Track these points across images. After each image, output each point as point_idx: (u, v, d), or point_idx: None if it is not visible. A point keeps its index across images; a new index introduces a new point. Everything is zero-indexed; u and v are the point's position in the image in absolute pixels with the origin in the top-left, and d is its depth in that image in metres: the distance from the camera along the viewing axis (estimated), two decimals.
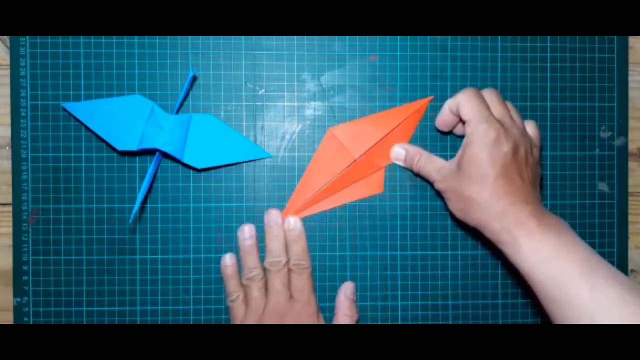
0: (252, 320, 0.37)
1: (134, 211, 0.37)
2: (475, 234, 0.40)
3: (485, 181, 0.34)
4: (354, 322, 0.39)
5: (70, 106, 0.39)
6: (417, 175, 0.40)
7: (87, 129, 0.39)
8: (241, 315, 0.38)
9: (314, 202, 0.40)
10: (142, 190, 0.37)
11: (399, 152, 0.40)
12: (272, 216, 0.40)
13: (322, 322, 0.39)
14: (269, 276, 0.38)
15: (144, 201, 0.39)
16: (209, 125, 0.39)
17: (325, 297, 0.40)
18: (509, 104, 0.37)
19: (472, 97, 0.36)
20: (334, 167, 0.40)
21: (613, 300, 0.29)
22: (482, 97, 0.36)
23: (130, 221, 0.39)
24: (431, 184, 0.39)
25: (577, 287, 0.30)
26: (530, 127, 0.37)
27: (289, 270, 0.39)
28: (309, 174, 0.40)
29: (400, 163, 0.40)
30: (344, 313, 0.39)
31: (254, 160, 0.40)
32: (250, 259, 0.39)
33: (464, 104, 0.36)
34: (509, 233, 0.33)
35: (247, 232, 0.39)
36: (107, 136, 0.38)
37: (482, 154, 0.34)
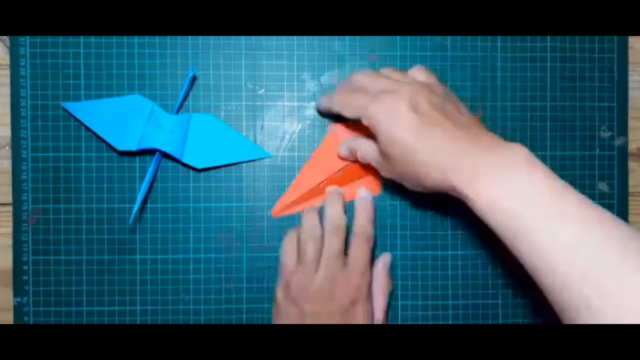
0: (301, 278, 0.36)
1: (134, 211, 0.37)
2: (475, 233, 0.40)
3: (415, 150, 0.31)
4: (389, 292, 0.39)
5: (71, 106, 0.39)
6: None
7: (87, 129, 0.39)
8: (291, 266, 0.37)
9: (308, 198, 0.40)
10: (142, 190, 0.37)
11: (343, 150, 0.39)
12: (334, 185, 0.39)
13: (370, 296, 0.37)
14: (326, 239, 0.37)
15: (144, 201, 0.39)
16: (209, 125, 0.39)
17: None
18: (387, 71, 0.36)
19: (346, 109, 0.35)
20: (332, 165, 0.40)
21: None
22: (350, 99, 0.35)
23: (131, 221, 0.39)
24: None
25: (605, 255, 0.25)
26: (421, 73, 0.35)
27: (352, 237, 0.38)
28: (305, 170, 0.40)
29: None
30: (382, 285, 0.38)
31: (253, 160, 0.40)
32: (312, 219, 0.38)
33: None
34: (475, 185, 0.28)
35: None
36: (107, 136, 0.38)
37: (393, 134, 0.31)
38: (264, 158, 0.40)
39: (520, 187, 0.27)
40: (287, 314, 0.36)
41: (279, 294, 0.37)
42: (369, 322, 0.36)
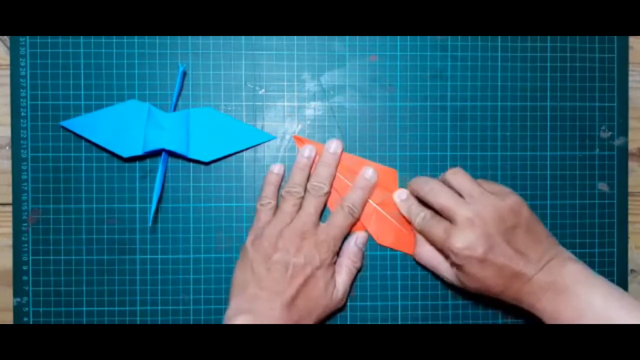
0: (273, 229, 0.37)
1: (150, 213, 0.38)
2: None
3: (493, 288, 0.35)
4: (356, 269, 0.39)
5: (69, 123, 0.39)
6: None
7: (90, 142, 0.39)
8: (265, 220, 0.38)
9: None
10: (156, 192, 0.37)
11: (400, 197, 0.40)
12: (333, 144, 0.39)
13: (333, 266, 0.38)
14: (306, 197, 0.38)
15: (144, 202, 0.39)
16: (209, 117, 0.39)
17: None
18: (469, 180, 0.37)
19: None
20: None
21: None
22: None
23: (149, 223, 0.39)
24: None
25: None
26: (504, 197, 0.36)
27: (338, 207, 0.38)
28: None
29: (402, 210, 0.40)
30: (350, 258, 0.39)
31: (254, 162, 0.40)
32: (300, 176, 0.39)
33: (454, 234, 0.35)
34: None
35: (307, 151, 0.39)
36: (111, 146, 0.38)
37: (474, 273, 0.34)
38: (268, 141, 0.40)
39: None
40: (251, 260, 0.36)
41: (249, 242, 0.37)
42: (325, 291, 0.37)
